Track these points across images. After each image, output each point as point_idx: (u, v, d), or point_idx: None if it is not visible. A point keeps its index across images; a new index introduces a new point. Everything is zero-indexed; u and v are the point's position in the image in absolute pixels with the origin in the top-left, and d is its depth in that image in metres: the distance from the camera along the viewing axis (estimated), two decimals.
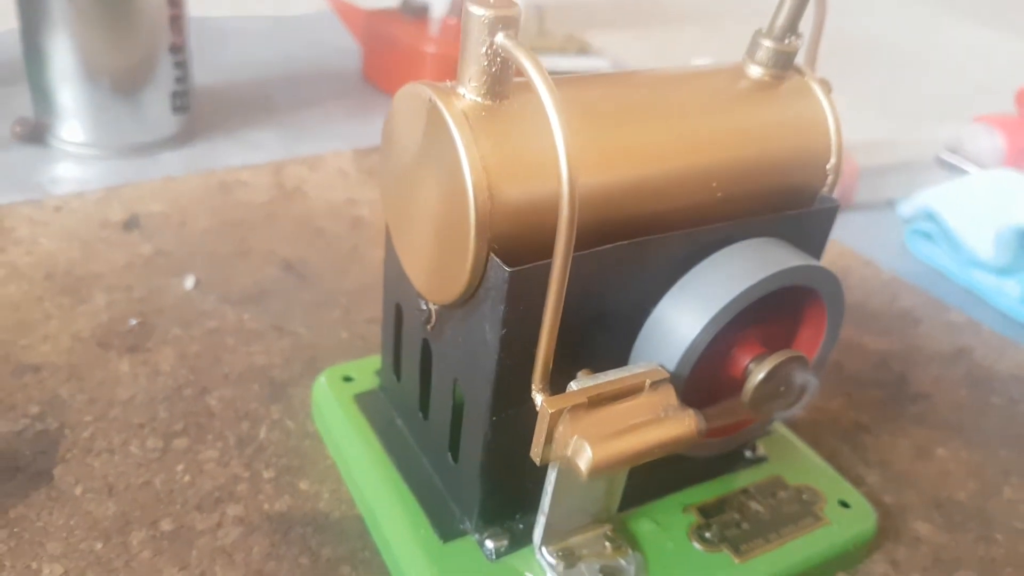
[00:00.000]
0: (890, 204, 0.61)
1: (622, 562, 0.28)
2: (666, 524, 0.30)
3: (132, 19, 0.53)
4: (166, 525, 0.30)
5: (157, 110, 0.57)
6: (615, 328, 0.26)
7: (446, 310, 0.27)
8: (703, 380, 0.27)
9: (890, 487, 0.36)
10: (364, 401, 0.34)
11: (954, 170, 0.63)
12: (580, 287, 0.24)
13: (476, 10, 0.21)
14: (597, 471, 0.23)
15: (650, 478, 0.28)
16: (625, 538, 0.29)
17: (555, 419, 0.23)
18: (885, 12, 1.19)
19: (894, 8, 1.21)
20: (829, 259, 0.37)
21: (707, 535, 0.29)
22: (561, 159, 0.20)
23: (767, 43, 0.28)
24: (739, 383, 0.27)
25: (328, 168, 0.58)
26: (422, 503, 0.29)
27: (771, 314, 0.28)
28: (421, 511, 0.29)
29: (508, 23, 0.21)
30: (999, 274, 0.52)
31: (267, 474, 0.33)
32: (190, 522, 0.30)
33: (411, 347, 0.30)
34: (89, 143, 0.56)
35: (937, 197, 0.56)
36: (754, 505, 0.31)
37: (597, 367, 0.25)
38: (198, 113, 0.62)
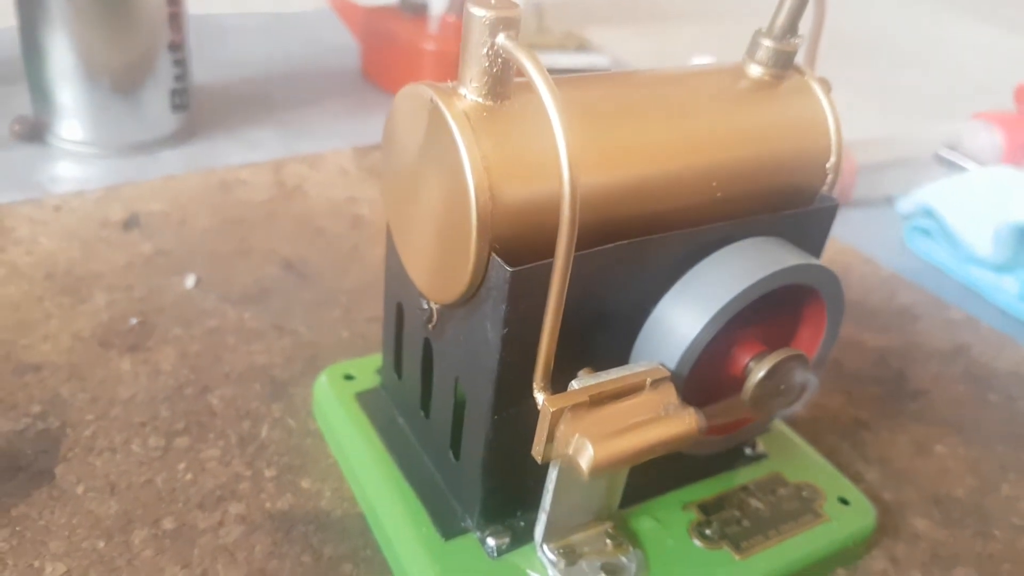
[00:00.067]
0: (889, 201, 0.61)
1: (623, 559, 0.28)
2: (667, 521, 0.30)
3: (131, 17, 0.53)
4: (168, 524, 0.30)
5: (156, 108, 0.57)
6: (616, 327, 0.26)
7: (447, 309, 0.27)
8: (704, 379, 0.27)
9: (889, 484, 0.36)
10: (365, 399, 0.34)
11: (953, 167, 0.63)
12: (581, 286, 0.24)
13: (477, 11, 0.21)
14: (599, 470, 0.23)
15: (650, 475, 0.28)
16: (626, 535, 0.29)
17: (556, 418, 0.23)
18: (884, 9, 1.19)
19: (893, 5, 1.21)
20: (828, 256, 0.37)
21: (707, 532, 0.30)
22: (562, 159, 0.20)
23: (767, 42, 0.28)
24: (739, 381, 0.27)
25: (328, 166, 0.58)
26: (424, 501, 0.29)
27: (771, 313, 0.28)
28: (423, 509, 0.29)
29: (509, 24, 0.21)
30: (997, 271, 0.52)
31: (269, 472, 0.33)
32: (192, 521, 0.30)
33: (412, 346, 0.30)
34: (88, 142, 0.56)
35: (936, 194, 0.56)
36: (754, 502, 0.31)
37: (598, 366, 0.25)
38: (197, 111, 0.62)
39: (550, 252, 0.22)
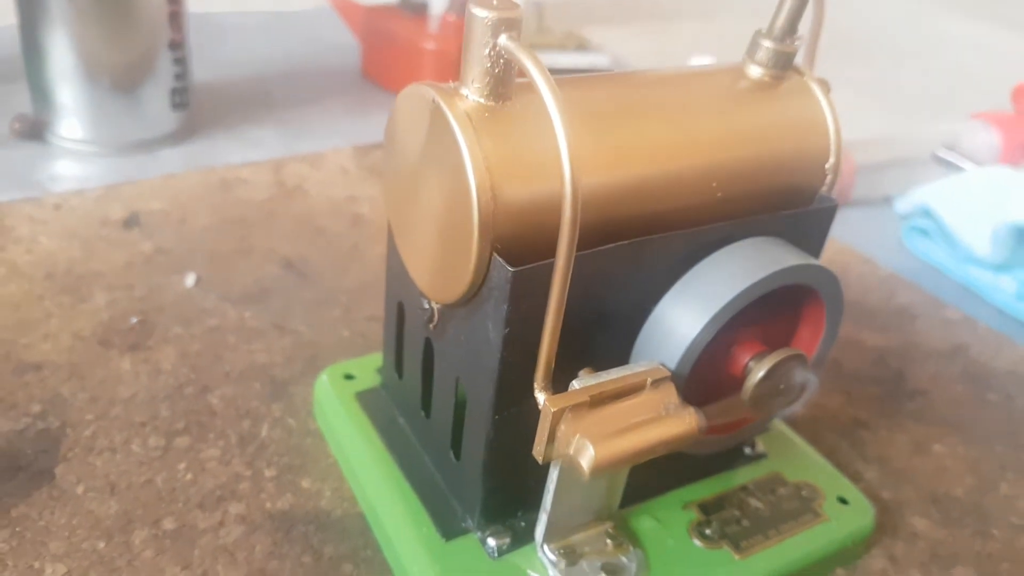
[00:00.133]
0: (887, 201, 0.62)
1: (623, 559, 0.28)
2: (667, 521, 0.30)
3: (131, 16, 0.53)
4: (168, 524, 0.30)
5: (156, 107, 0.57)
6: (616, 327, 0.27)
7: (448, 309, 0.27)
8: (704, 378, 0.27)
9: (888, 483, 0.36)
10: (366, 399, 0.34)
11: (951, 167, 0.63)
12: (582, 286, 0.24)
13: (479, 12, 0.21)
14: (599, 470, 0.23)
15: (650, 475, 0.28)
16: (626, 535, 0.29)
17: (557, 418, 0.23)
18: (882, 9, 1.20)
19: (891, 5, 1.21)
20: (827, 256, 0.37)
21: (707, 532, 0.30)
22: (564, 160, 0.20)
23: (767, 43, 0.28)
24: (739, 381, 0.27)
25: (328, 165, 0.58)
26: (424, 501, 0.29)
27: (771, 312, 0.28)
28: (423, 509, 0.29)
29: (511, 25, 0.21)
30: (995, 270, 0.52)
31: (269, 472, 0.33)
32: (192, 521, 0.30)
33: (413, 345, 0.30)
34: (88, 140, 0.56)
35: (934, 194, 0.56)
36: (754, 502, 0.31)
37: (598, 366, 0.25)
38: (197, 110, 0.62)
39: (551, 252, 0.22)
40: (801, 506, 0.32)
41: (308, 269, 0.46)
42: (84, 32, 0.53)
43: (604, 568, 0.27)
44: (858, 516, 0.32)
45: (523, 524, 0.28)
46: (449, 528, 0.28)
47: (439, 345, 0.28)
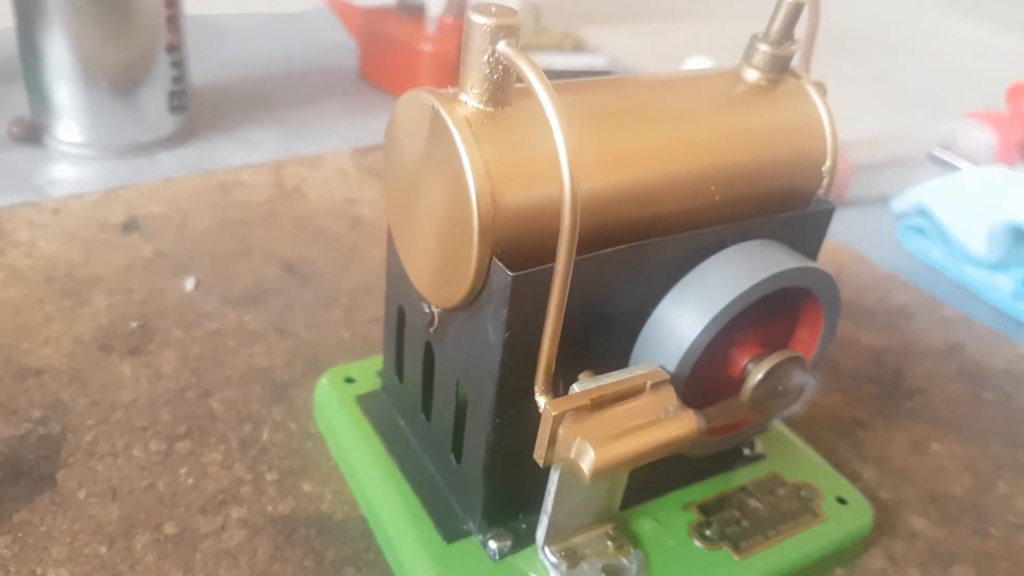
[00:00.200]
0: (884, 200, 0.62)
1: (624, 561, 0.28)
2: (667, 522, 0.30)
3: (129, 19, 0.53)
4: (170, 528, 0.30)
5: (154, 110, 0.57)
6: (616, 330, 0.27)
7: (449, 313, 0.27)
8: (703, 381, 0.27)
9: (886, 483, 0.37)
10: (366, 402, 0.34)
11: (946, 166, 0.64)
12: (581, 290, 0.24)
13: (478, 19, 0.21)
14: (600, 473, 0.23)
15: (650, 477, 0.28)
16: (627, 537, 0.29)
17: (558, 421, 0.23)
18: (878, 8, 1.20)
19: (887, 4, 1.21)
20: (823, 256, 0.37)
21: (707, 533, 0.30)
22: (563, 165, 0.20)
23: (764, 47, 0.28)
24: (738, 383, 0.27)
25: (327, 167, 0.58)
26: (425, 504, 0.30)
27: (769, 315, 0.28)
28: (424, 512, 0.29)
29: (509, 32, 0.21)
30: (992, 270, 0.53)
31: (270, 476, 0.33)
32: (194, 525, 0.30)
33: (413, 349, 0.30)
34: (86, 143, 0.56)
35: (930, 193, 0.56)
36: (753, 502, 0.32)
37: (598, 368, 0.25)
38: (196, 112, 0.62)
39: (551, 256, 0.22)
40: (800, 506, 0.32)
41: (308, 271, 0.46)
42: (82, 35, 0.53)
43: (605, 570, 0.28)
44: (857, 516, 0.32)
45: (524, 526, 0.29)
46: (450, 530, 0.29)
47: (439, 349, 0.28)
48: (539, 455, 0.24)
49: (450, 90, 0.24)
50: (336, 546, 0.30)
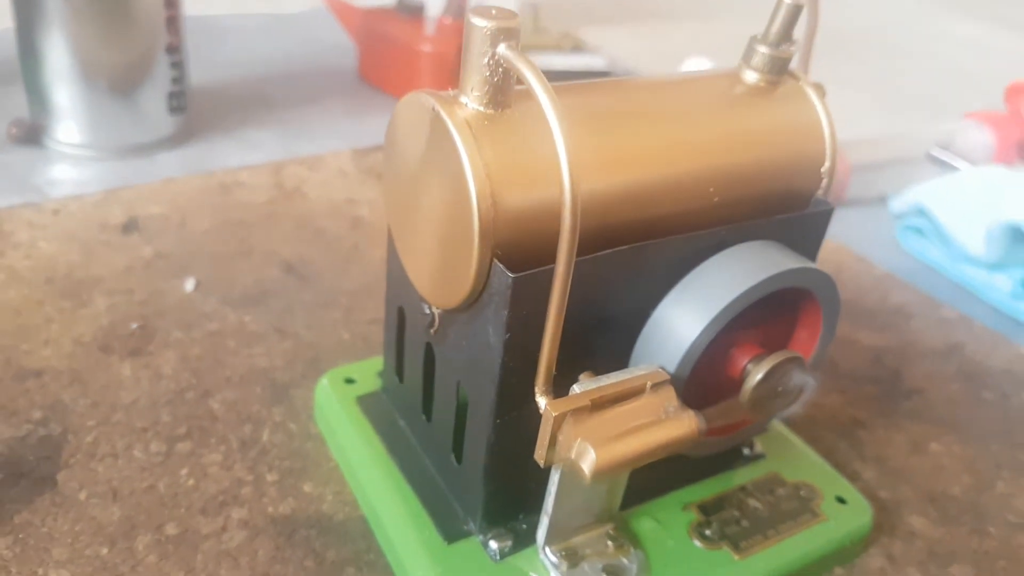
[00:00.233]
0: (882, 200, 0.62)
1: (624, 561, 0.28)
2: (667, 522, 0.30)
3: (129, 20, 0.53)
4: (171, 529, 0.30)
5: (154, 111, 0.57)
6: (616, 331, 0.27)
7: (449, 314, 0.27)
8: (703, 381, 0.27)
9: (886, 482, 0.37)
10: (366, 403, 0.34)
11: (945, 166, 0.64)
12: (581, 291, 0.24)
13: (478, 22, 0.21)
14: (601, 474, 0.23)
15: (650, 477, 0.29)
16: (627, 537, 0.29)
17: (559, 422, 0.23)
18: (876, 8, 1.20)
19: (885, 4, 1.21)
20: (822, 256, 0.37)
21: (707, 532, 0.30)
22: (563, 166, 0.20)
23: (762, 49, 0.28)
24: (738, 384, 0.27)
25: (327, 168, 0.58)
26: (426, 504, 0.30)
27: (768, 315, 0.28)
28: (425, 512, 0.29)
29: (509, 34, 0.22)
30: (990, 269, 0.53)
31: (271, 477, 0.33)
32: (195, 526, 0.30)
33: (414, 350, 0.30)
34: (86, 144, 0.56)
35: (928, 193, 0.56)
36: (753, 502, 0.32)
37: (598, 369, 0.25)
38: (195, 113, 0.62)
39: (551, 257, 0.22)
40: (800, 506, 0.32)
41: (308, 272, 0.46)
42: (81, 36, 0.53)
43: (605, 569, 0.28)
44: (856, 515, 0.32)
45: (524, 526, 0.29)
46: (451, 531, 0.29)
47: (440, 349, 0.28)
48: (540, 456, 0.24)
49: (450, 92, 0.24)
50: (337, 547, 0.30)
